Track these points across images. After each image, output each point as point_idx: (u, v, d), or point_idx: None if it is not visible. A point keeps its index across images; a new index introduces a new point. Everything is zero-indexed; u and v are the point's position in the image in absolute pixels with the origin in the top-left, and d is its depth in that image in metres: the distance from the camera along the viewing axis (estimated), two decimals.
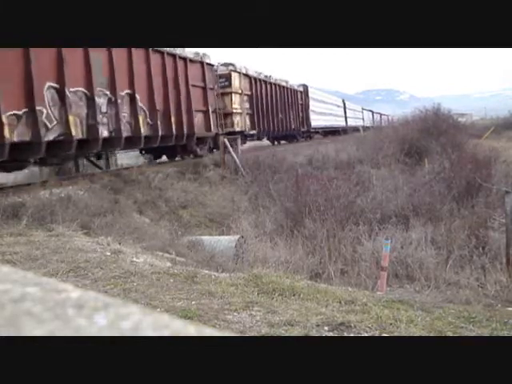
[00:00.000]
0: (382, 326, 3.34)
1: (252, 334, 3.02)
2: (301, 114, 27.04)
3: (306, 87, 28.85)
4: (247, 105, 19.00)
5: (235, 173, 13.22)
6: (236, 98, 17.70)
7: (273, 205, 10.13)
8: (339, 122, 38.24)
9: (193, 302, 3.53)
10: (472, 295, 5.03)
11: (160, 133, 11.80)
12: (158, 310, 3.20)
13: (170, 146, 12.91)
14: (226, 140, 13.82)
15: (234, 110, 17.40)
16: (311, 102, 29.20)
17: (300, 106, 27.03)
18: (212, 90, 15.32)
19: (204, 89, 14.62)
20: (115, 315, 0.54)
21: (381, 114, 64.98)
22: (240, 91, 17.99)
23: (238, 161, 13.51)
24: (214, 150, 15.63)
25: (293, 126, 25.30)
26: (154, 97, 11.67)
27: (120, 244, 5.22)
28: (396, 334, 3.20)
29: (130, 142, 11.09)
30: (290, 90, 25.46)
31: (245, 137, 18.20)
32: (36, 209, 6.66)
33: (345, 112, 41.23)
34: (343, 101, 42.30)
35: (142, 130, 11.10)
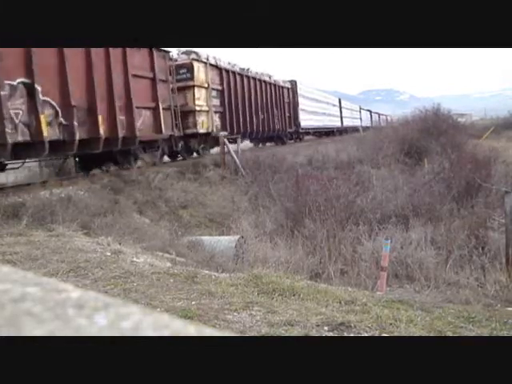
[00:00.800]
0: (381, 325, 3.34)
1: (252, 334, 3.02)
2: (287, 114, 24.35)
3: (294, 83, 26.05)
4: (217, 101, 16.10)
5: (235, 173, 13.23)
6: (200, 93, 14.74)
7: (273, 205, 10.14)
8: (334, 122, 36.18)
9: (193, 302, 3.53)
10: (472, 295, 5.03)
11: (77, 136, 8.86)
12: (158, 309, 3.20)
13: (98, 153, 9.87)
14: (225, 140, 13.83)
15: (198, 108, 14.46)
16: (301, 100, 26.65)
17: (287, 105, 24.38)
18: (165, 83, 12.37)
19: (153, 80, 11.70)
20: (115, 315, 0.54)
21: (379, 114, 63.57)
22: (206, 85, 15.02)
23: (237, 161, 13.51)
24: (179, 156, 13.81)
25: (277, 127, 22.64)
26: (69, 88, 8.66)
27: (120, 244, 5.22)
28: (396, 334, 3.20)
29: (26, 150, 8.15)
30: (275, 85, 22.61)
31: (213, 139, 15.51)
32: (36, 209, 6.66)
33: (340, 111, 39.33)
34: (339, 100, 40.22)
35: (46, 133, 8.12)
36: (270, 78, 22.02)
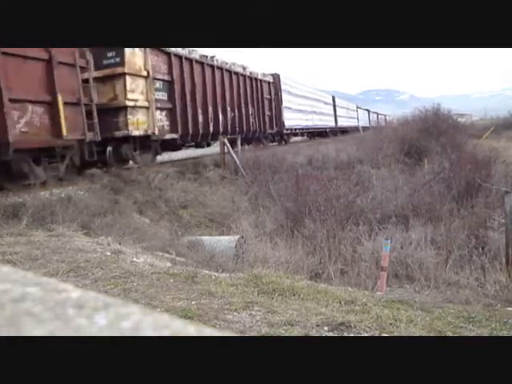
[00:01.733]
0: (381, 325, 3.34)
1: (252, 334, 3.02)
2: (268, 112, 21.08)
3: (276, 77, 22.60)
4: (163, 95, 12.65)
5: (235, 173, 13.23)
6: (135, 84, 11.33)
7: (273, 205, 10.14)
8: (326, 122, 33.15)
9: (193, 302, 3.53)
10: (472, 295, 5.02)
11: None
12: (158, 309, 3.20)
13: None
14: (225, 140, 13.82)
15: (131, 103, 11.05)
16: (286, 97, 23.49)
17: (267, 101, 20.99)
18: (72, 68, 9.10)
19: (49, 63, 8.45)
20: (115, 315, 0.54)
21: (378, 114, 61.47)
22: (145, 73, 11.67)
23: (237, 161, 13.51)
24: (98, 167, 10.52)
25: (254, 128, 18.99)
26: None
27: (120, 244, 5.23)
28: (396, 334, 3.20)
29: None
30: (250, 79, 18.90)
31: (157, 144, 12.45)
32: (36, 209, 6.66)
33: (335, 110, 36.56)
34: (333, 98, 37.29)
35: None
36: (244, 69, 18.36)
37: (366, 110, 55.81)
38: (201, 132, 14.53)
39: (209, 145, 16.35)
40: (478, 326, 3.66)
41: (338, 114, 37.30)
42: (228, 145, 13.76)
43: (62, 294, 0.59)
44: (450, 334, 3.42)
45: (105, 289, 3.67)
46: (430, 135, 18.05)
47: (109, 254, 4.69)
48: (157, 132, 12.15)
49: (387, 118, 55.70)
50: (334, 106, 36.66)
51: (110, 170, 10.67)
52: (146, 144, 12.09)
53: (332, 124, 35.16)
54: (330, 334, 3.14)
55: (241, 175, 13.04)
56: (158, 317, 0.55)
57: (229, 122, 16.70)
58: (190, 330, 0.53)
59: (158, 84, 12.47)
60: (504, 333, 3.54)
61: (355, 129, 39.78)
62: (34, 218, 6.26)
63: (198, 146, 15.64)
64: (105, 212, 7.46)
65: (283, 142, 23.53)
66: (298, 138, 27.94)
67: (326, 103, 34.17)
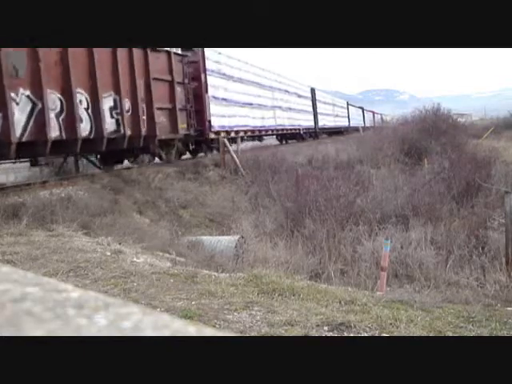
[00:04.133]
0: (381, 325, 3.34)
1: (252, 334, 3.02)
2: (169, 105, 11.90)
3: (202, 53, 13.98)
4: None
5: (235, 173, 13.22)
6: None
7: (273, 205, 10.14)
8: (297, 121, 24.96)
9: (193, 302, 3.53)
10: (471, 295, 5.03)
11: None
12: (158, 309, 3.20)
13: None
14: (225, 140, 13.81)
15: None
16: (214, 81, 14.82)
17: (167, 87, 11.85)
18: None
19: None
20: (115, 315, 0.54)
21: (374, 113, 56.23)
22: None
23: (237, 161, 13.50)
24: None
25: (125, 130, 9.81)
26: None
27: (120, 244, 5.22)
28: (396, 334, 3.20)
29: None
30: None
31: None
32: (36, 209, 6.66)
33: (314, 105, 28.24)
34: (312, 90, 28.90)
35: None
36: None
37: (360, 107, 49.16)
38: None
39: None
40: (478, 325, 3.66)
41: (318, 110, 29.12)
42: (228, 145, 13.74)
43: (62, 294, 0.59)
44: (450, 333, 3.42)
45: (105, 289, 3.67)
46: (429, 135, 18.05)
47: (109, 253, 4.69)
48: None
49: (383, 117, 53.38)
50: (314, 99, 28.54)
51: (110, 170, 10.82)
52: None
53: (307, 124, 26.93)
54: (330, 334, 3.14)
55: (241, 175, 13.03)
56: (158, 317, 0.55)
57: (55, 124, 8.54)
58: (190, 330, 0.53)
59: None
60: (504, 333, 3.54)
61: (346, 130, 36.11)
62: (33, 218, 6.26)
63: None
64: (105, 212, 7.46)
65: (204, 154, 14.84)
66: (244, 145, 18.13)
67: (298, 95, 25.90)
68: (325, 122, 30.96)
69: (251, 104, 18.53)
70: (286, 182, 10.91)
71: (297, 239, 7.67)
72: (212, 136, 14.65)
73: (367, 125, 43.31)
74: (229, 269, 5.10)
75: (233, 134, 16.29)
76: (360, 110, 47.69)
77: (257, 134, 19.95)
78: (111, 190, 8.96)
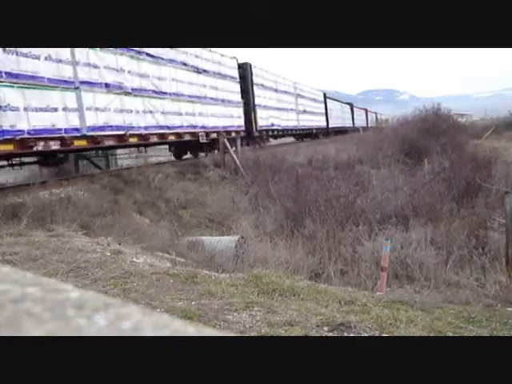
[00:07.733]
0: (381, 326, 3.34)
1: (252, 334, 3.02)
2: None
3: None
4: None
5: (235, 173, 13.22)
6: None
7: (273, 205, 10.13)
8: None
9: (193, 303, 3.53)
10: (472, 295, 5.02)
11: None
12: (158, 310, 3.20)
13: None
14: (225, 140, 13.81)
15: None
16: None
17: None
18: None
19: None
20: (115, 315, 0.54)
21: (366, 110, 51.33)
22: None
23: (237, 161, 13.50)
24: None
25: None
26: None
27: (120, 244, 5.22)
28: (396, 334, 3.20)
29: None
30: None
31: None
32: (36, 209, 6.66)
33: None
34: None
35: None
36: None
37: (348, 103, 42.89)
38: None
39: None
40: (478, 326, 3.66)
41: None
42: (228, 145, 13.75)
43: (62, 294, 0.59)
44: (450, 334, 3.42)
45: (104, 289, 3.67)
46: (430, 135, 18.05)
47: (108, 254, 4.69)
48: None
49: (378, 116, 51.57)
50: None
51: (109, 170, 10.83)
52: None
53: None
54: (330, 334, 3.14)
55: (241, 175, 13.03)
56: (157, 317, 0.55)
57: None
58: (190, 330, 0.53)
59: None
60: (504, 333, 3.54)
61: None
62: (33, 218, 6.26)
63: None
64: (105, 212, 7.46)
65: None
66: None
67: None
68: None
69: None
70: (286, 182, 10.90)
71: (297, 239, 7.67)
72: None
73: (358, 125, 43.51)
74: (229, 269, 5.10)
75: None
76: (347, 107, 43.12)
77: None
78: (111, 190, 8.96)
